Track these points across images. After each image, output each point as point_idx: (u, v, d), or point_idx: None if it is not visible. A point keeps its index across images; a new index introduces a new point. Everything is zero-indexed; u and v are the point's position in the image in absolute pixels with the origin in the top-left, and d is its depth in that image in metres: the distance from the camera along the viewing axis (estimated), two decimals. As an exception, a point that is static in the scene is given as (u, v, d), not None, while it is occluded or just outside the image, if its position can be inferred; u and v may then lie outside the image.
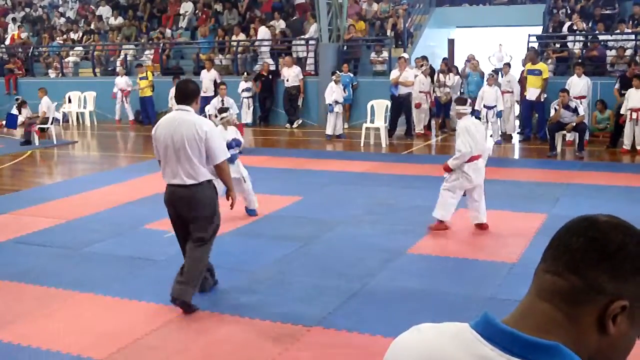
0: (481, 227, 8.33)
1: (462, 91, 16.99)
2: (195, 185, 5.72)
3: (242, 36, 21.32)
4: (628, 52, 16.45)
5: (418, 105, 16.54)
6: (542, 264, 1.22)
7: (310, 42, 20.10)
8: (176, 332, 5.61)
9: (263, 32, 20.79)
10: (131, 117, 20.78)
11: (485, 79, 16.01)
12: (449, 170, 8.24)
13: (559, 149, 13.88)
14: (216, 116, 14.48)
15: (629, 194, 10.09)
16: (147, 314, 6.01)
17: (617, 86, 14.79)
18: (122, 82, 20.67)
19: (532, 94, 15.25)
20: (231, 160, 8.86)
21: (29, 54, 24.84)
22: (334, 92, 16.39)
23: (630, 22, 17.43)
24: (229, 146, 8.63)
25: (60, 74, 23.57)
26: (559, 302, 1.16)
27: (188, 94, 5.80)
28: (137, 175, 12.36)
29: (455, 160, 8.13)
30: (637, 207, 8.89)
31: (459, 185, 8.19)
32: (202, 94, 18.48)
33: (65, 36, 25.63)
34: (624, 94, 14.08)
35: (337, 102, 16.40)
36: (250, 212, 9.28)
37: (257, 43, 20.90)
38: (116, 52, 23.68)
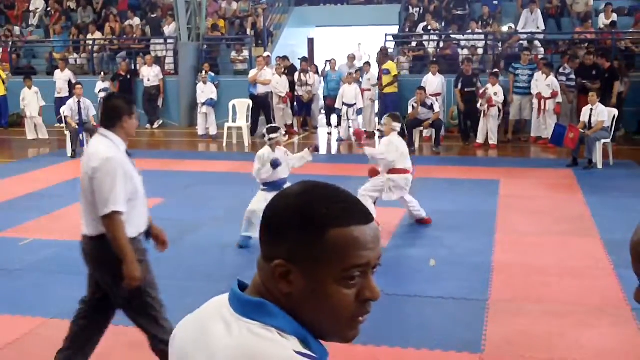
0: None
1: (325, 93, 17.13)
2: (89, 238, 4.24)
3: (98, 34, 20.70)
4: (479, 51, 17.28)
5: (285, 100, 16.69)
6: None
7: (169, 41, 19.78)
8: (36, 344, 5.36)
9: None
10: None
11: (342, 78, 16.35)
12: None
13: (417, 144, 14.31)
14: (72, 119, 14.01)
15: (483, 187, 10.55)
16: (1, 327, 5.71)
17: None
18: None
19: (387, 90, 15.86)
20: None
21: None
22: (202, 92, 16.57)
23: (480, 23, 18.23)
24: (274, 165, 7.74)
25: None
26: (259, 270, 1.38)
27: (109, 114, 4.48)
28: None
29: (376, 157, 8.43)
30: (490, 199, 9.35)
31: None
32: (56, 95, 17.95)
33: None
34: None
35: (203, 104, 16.38)
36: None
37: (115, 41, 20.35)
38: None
